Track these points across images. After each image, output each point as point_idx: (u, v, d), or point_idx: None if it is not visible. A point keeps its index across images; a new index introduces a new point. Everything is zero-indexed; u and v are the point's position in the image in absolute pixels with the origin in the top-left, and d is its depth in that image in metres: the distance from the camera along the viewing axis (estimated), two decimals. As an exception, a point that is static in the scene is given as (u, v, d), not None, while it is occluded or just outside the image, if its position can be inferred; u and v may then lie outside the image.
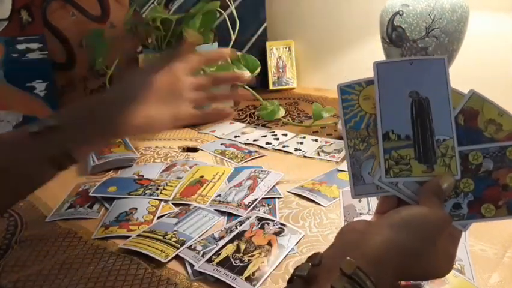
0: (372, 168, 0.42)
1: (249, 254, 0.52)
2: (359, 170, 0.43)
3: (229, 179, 0.73)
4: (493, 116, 0.42)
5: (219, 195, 0.67)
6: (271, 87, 1.27)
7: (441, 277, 0.40)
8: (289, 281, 0.34)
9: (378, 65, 0.42)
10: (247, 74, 0.49)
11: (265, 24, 1.27)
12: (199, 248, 0.54)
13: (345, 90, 0.44)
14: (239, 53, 1.08)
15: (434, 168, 0.41)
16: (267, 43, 1.27)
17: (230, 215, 0.62)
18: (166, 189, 0.69)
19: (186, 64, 0.56)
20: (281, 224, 0.58)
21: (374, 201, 0.61)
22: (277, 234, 0.56)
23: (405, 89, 0.42)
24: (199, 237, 0.57)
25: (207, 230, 0.59)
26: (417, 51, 0.90)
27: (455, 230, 0.41)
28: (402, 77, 0.42)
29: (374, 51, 1.01)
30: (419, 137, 0.42)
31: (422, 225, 0.36)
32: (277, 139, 0.91)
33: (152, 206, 0.64)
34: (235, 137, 0.94)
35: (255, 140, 0.91)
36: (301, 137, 0.92)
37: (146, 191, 0.68)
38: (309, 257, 0.35)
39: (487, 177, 0.41)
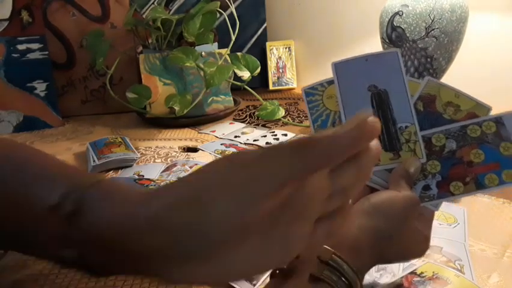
0: None
1: (249, 254, 0.52)
2: None
3: (229, 179, 0.73)
4: (450, 99, 0.44)
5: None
6: (271, 87, 1.27)
7: (418, 257, 0.41)
8: (272, 276, 0.35)
9: (335, 65, 0.45)
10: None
11: (265, 24, 1.27)
12: (199, 247, 0.54)
13: (309, 92, 0.47)
14: (239, 53, 1.09)
15: (400, 154, 0.43)
16: (267, 43, 1.27)
17: (230, 215, 0.62)
18: (166, 189, 0.69)
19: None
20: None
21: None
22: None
23: (364, 84, 0.44)
24: (199, 237, 0.57)
25: (207, 230, 0.59)
26: (417, 52, 0.90)
27: (426, 211, 0.42)
28: (359, 73, 0.44)
29: (374, 51, 1.01)
30: (382, 127, 0.43)
31: (391, 208, 0.38)
32: (277, 139, 0.92)
33: (152, 206, 0.65)
34: (235, 137, 0.94)
35: (255, 140, 0.91)
36: (301, 137, 0.92)
37: (147, 191, 0.68)
38: None
39: (452, 156, 0.43)
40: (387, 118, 0.43)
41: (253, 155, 0.24)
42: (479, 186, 0.41)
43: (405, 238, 0.38)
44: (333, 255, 0.33)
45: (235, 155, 0.25)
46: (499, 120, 0.43)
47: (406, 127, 0.43)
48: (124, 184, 0.31)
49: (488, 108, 0.45)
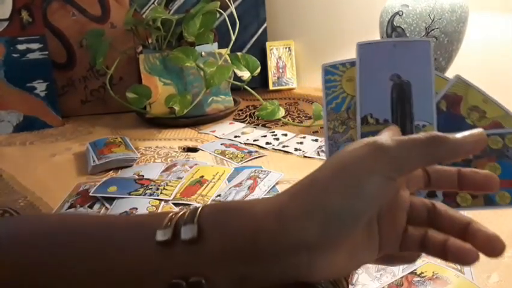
0: None
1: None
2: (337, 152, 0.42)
3: (229, 179, 0.73)
4: (477, 103, 0.41)
5: (219, 195, 0.67)
6: (271, 87, 1.27)
7: None
8: None
9: (360, 46, 0.42)
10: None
11: (265, 24, 1.27)
12: (199, 247, 0.54)
13: (329, 70, 0.43)
14: (239, 53, 1.09)
15: None
16: (267, 43, 1.27)
17: (230, 215, 0.62)
18: (166, 189, 0.69)
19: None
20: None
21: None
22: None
23: (387, 71, 0.41)
24: (199, 237, 0.57)
25: (207, 230, 0.59)
26: (417, 52, 0.90)
27: None
28: (384, 59, 0.41)
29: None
30: (397, 121, 0.40)
31: None
32: (277, 139, 0.92)
33: (152, 206, 0.65)
34: (235, 137, 0.94)
35: (255, 140, 0.91)
36: (301, 137, 0.92)
37: (147, 191, 0.68)
38: None
39: (466, 165, 0.39)
40: (405, 113, 0.40)
41: (389, 142, 0.28)
42: (488, 202, 0.39)
43: None
44: None
45: (372, 141, 0.28)
46: None
47: (424, 126, 0.40)
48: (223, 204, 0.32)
49: None
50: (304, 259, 0.27)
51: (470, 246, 0.29)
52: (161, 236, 0.28)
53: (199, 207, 0.29)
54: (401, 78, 0.41)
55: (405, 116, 0.40)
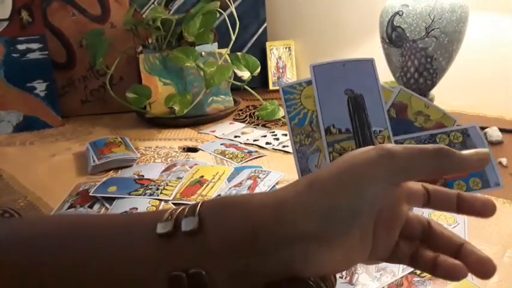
0: (318, 161, 0.45)
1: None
2: (306, 164, 0.46)
3: (229, 179, 0.73)
4: (421, 108, 0.47)
5: (219, 195, 0.67)
6: (271, 87, 1.27)
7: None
8: None
9: (314, 68, 0.47)
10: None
11: (265, 24, 1.27)
12: (199, 247, 0.54)
13: (287, 90, 0.48)
14: (239, 53, 1.09)
15: None
16: (267, 43, 1.27)
17: (230, 215, 0.62)
18: (166, 189, 0.69)
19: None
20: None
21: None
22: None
23: (341, 87, 0.47)
24: (199, 237, 0.57)
25: (207, 230, 0.59)
26: (417, 52, 0.90)
27: None
28: (337, 77, 0.47)
29: (374, 51, 1.02)
30: (357, 129, 0.46)
31: None
32: (277, 139, 0.92)
33: (152, 206, 0.65)
34: (235, 137, 0.94)
35: (255, 140, 0.91)
36: (301, 137, 0.92)
37: (147, 191, 0.68)
38: None
39: None
40: (363, 121, 0.46)
41: (398, 148, 0.28)
42: None
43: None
44: None
45: (380, 146, 0.29)
46: (465, 132, 0.46)
47: (380, 131, 0.45)
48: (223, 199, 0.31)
49: (454, 120, 0.48)
50: (300, 252, 0.27)
51: (459, 262, 0.30)
52: (162, 228, 0.29)
53: (199, 202, 0.30)
54: (354, 92, 0.46)
55: (363, 124, 0.46)
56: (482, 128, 0.87)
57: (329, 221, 0.27)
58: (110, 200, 0.67)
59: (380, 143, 0.44)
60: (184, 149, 0.89)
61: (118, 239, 0.30)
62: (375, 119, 0.46)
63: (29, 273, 0.29)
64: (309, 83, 0.47)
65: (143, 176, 0.75)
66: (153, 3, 1.15)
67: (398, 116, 0.47)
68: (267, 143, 0.90)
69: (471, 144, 0.44)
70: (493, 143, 0.83)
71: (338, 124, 0.46)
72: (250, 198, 0.30)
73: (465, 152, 0.30)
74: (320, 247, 0.28)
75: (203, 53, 1.04)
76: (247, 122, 1.05)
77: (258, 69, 1.08)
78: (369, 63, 0.48)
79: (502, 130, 0.86)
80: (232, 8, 1.07)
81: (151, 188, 0.69)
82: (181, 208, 0.30)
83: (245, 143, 0.90)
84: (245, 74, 1.06)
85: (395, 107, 0.47)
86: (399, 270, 0.49)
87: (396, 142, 0.45)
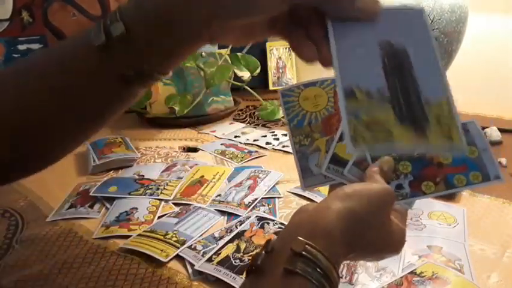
0: (318, 160, 0.45)
1: (249, 254, 0.52)
2: (307, 164, 0.45)
3: (229, 179, 0.73)
4: None
5: (219, 195, 0.67)
6: (271, 87, 1.28)
7: (395, 252, 0.39)
8: (247, 273, 0.34)
9: (332, 21, 0.34)
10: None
11: (265, 25, 1.27)
12: (199, 247, 0.54)
13: (285, 93, 0.47)
14: (239, 54, 1.09)
15: (428, 136, 0.31)
16: (267, 43, 1.27)
17: (230, 215, 0.62)
18: (166, 189, 0.69)
19: None
20: (281, 223, 0.59)
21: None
22: (277, 233, 0.56)
23: (372, 39, 0.33)
24: (200, 236, 0.57)
25: (207, 230, 0.59)
26: (417, 52, 0.90)
27: (401, 207, 0.42)
28: (367, 29, 0.34)
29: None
30: (397, 91, 0.31)
31: (366, 194, 0.37)
32: (277, 139, 0.92)
33: (152, 205, 0.65)
34: (235, 137, 0.94)
35: (255, 140, 0.92)
36: (301, 137, 0.92)
37: (147, 191, 0.68)
38: (263, 246, 0.34)
39: (423, 157, 0.43)
40: (408, 84, 0.32)
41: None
42: (448, 186, 0.43)
43: (385, 228, 0.37)
44: (306, 246, 0.31)
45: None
46: (463, 127, 0.43)
47: (436, 100, 0.31)
48: None
49: None
50: (206, 26, 0.34)
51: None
52: (97, 41, 0.35)
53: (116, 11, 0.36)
54: (393, 46, 0.33)
55: (408, 90, 0.32)
56: (482, 128, 0.87)
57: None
58: (111, 200, 0.67)
59: (436, 119, 0.31)
60: (184, 149, 0.89)
61: (66, 59, 0.38)
62: (429, 86, 0.31)
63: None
64: (307, 85, 0.46)
65: (143, 176, 0.75)
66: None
67: None
68: (267, 143, 0.90)
69: (470, 139, 0.43)
70: (492, 143, 0.84)
71: (366, 84, 0.31)
72: None
73: None
74: (222, 25, 0.34)
75: (203, 53, 1.04)
76: (247, 122, 1.05)
77: (258, 70, 1.08)
78: (419, 13, 0.35)
79: (501, 130, 0.86)
80: (232, 8, 1.06)
81: (151, 188, 0.69)
82: (103, 20, 0.36)
83: (245, 143, 0.91)
84: (245, 74, 1.06)
85: None
86: (399, 270, 0.49)
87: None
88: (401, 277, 0.47)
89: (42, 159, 0.43)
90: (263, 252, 0.33)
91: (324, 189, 0.67)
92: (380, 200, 0.37)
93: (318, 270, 0.31)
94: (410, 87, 0.32)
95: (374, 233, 0.37)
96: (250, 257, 0.51)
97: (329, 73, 0.36)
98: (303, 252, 0.31)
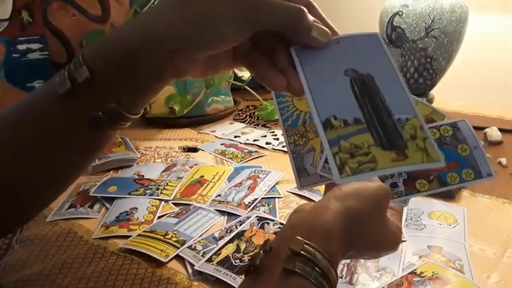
0: (313, 160, 0.45)
1: (249, 254, 0.52)
2: (302, 163, 0.45)
3: (229, 179, 0.73)
4: None
5: (219, 195, 0.67)
6: (271, 87, 1.27)
7: (392, 250, 0.40)
8: (246, 273, 0.34)
9: (296, 50, 0.36)
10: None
11: (265, 25, 1.27)
12: (199, 247, 0.54)
13: (279, 94, 0.47)
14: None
15: (407, 154, 0.32)
16: (267, 43, 1.27)
17: (230, 215, 0.62)
18: (166, 189, 0.69)
19: None
20: (281, 223, 0.59)
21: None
22: (276, 233, 0.56)
23: (337, 68, 0.35)
24: (199, 236, 0.57)
25: (207, 230, 0.59)
26: (416, 52, 0.90)
27: (396, 205, 0.43)
28: (330, 57, 0.36)
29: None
30: (372, 118, 0.33)
31: (364, 192, 0.38)
32: (277, 139, 0.92)
33: (152, 205, 0.65)
34: (235, 137, 0.94)
35: (255, 140, 0.91)
36: (301, 137, 0.92)
37: (147, 191, 0.68)
38: (261, 246, 0.35)
39: None
40: (379, 108, 0.34)
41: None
42: (442, 183, 0.43)
43: (378, 227, 0.38)
44: (304, 245, 0.32)
45: None
46: (454, 126, 0.45)
47: (407, 119, 0.33)
48: None
49: (443, 115, 0.47)
50: (169, 64, 0.35)
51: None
52: (62, 88, 0.35)
53: (79, 58, 0.36)
54: (358, 72, 0.35)
55: (380, 112, 0.34)
56: (482, 128, 0.87)
57: (202, 28, 0.33)
58: (110, 200, 0.67)
59: (411, 135, 0.33)
60: (184, 149, 0.89)
61: (33, 109, 0.38)
62: (397, 104, 0.34)
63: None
64: None
65: (143, 176, 0.75)
66: (153, 3, 1.14)
67: None
68: (267, 143, 0.90)
69: (461, 137, 0.44)
70: (493, 143, 0.84)
71: (342, 113, 0.33)
72: (124, 33, 0.37)
73: (316, 25, 0.34)
74: (186, 51, 0.34)
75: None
76: (247, 122, 1.05)
77: (258, 70, 1.07)
78: (373, 38, 0.37)
79: (501, 130, 0.86)
80: (232, 8, 1.06)
81: (151, 188, 0.69)
82: (67, 67, 0.36)
83: (245, 143, 0.91)
84: (245, 74, 1.06)
85: None
86: (399, 270, 0.49)
87: None
88: (401, 277, 0.47)
89: (21, 216, 0.42)
90: (261, 252, 0.34)
91: (323, 189, 0.67)
92: (377, 199, 0.38)
93: (317, 269, 0.31)
94: (382, 111, 0.34)
95: (372, 231, 0.37)
96: (250, 257, 0.51)
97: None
98: (302, 252, 0.31)
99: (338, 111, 0.33)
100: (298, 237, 0.32)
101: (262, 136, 0.94)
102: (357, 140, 0.32)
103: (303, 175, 0.45)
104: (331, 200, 0.36)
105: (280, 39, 0.36)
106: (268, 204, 0.65)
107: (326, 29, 0.36)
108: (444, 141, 0.45)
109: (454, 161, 0.44)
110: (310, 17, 0.35)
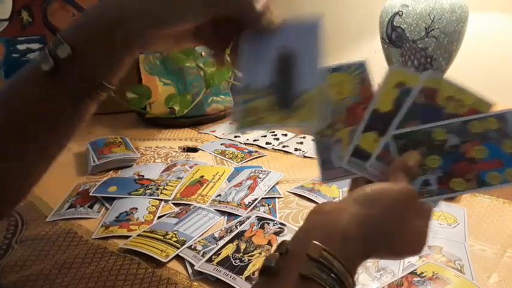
0: (340, 152, 0.43)
1: (249, 254, 0.52)
2: (328, 155, 0.43)
3: (229, 179, 0.73)
4: (452, 93, 0.43)
5: (219, 195, 0.67)
6: (271, 87, 1.27)
7: (414, 255, 0.39)
8: (260, 274, 0.33)
9: (246, 34, 0.43)
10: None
11: (265, 25, 1.27)
12: (199, 247, 0.54)
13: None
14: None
15: (293, 115, 0.39)
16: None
17: (230, 215, 0.62)
18: (166, 189, 0.69)
19: None
20: (281, 223, 0.59)
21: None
22: (277, 234, 0.56)
23: (274, 46, 0.43)
24: (199, 237, 0.57)
25: (207, 230, 0.59)
26: (417, 52, 0.90)
27: (425, 206, 0.40)
28: (273, 40, 0.43)
29: (374, 51, 1.02)
30: (282, 86, 0.41)
31: (385, 197, 0.36)
32: (277, 139, 0.92)
33: (152, 205, 0.65)
34: (235, 137, 0.94)
35: (255, 140, 0.91)
36: (301, 137, 0.92)
37: (147, 191, 0.68)
38: (277, 247, 0.34)
39: (454, 151, 0.40)
40: (292, 81, 0.40)
41: None
42: (480, 183, 0.39)
43: (403, 232, 0.36)
44: (322, 252, 0.31)
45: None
46: (501, 117, 0.41)
47: (309, 89, 0.39)
48: None
49: (490, 104, 0.43)
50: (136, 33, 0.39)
51: None
52: (45, 66, 0.38)
53: (58, 37, 0.38)
54: (287, 49, 0.42)
55: (290, 83, 0.40)
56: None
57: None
58: (110, 200, 0.67)
59: (304, 100, 0.40)
60: (184, 149, 0.89)
61: (20, 90, 0.40)
62: (307, 78, 0.40)
63: None
64: (332, 70, 0.45)
65: (143, 176, 0.75)
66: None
67: (427, 101, 0.41)
68: (267, 143, 0.90)
69: (509, 130, 0.40)
70: (493, 143, 0.83)
71: (258, 82, 0.41)
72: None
73: (264, 12, 0.40)
74: (154, 33, 0.39)
75: (203, 53, 1.04)
76: (247, 122, 1.05)
77: (258, 69, 1.08)
78: (315, 23, 0.44)
79: (501, 130, 0.86)
80: (232, 8, 1.06)
81: (151, 188, 0.69)
82: (48, 47, 0.39)
83: (245, 143, 0.91)
84: (245, 74, 1.06)
85: (424, 92, 0.42)
86: (399, 270, 0.49)
87: (424, 130, 0.41)
88: (402, 277, 0.47)
89: (12, 196, 0.44)
90: (277, 253, 0.33)
91: (325, 189, 0.67)
92: (401, 204, 0.36)
93: (333, 276, 0.31)
94: (293, 81, 0.40)
95: (392, 237, 0.36)
96: (250, 257, 0.51)
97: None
98: (319, 258, 0.31)
99: (256, 80, 0.41)
100: (316, 242, 0.32)
101: (262, 136, 0.94)
102: (260, 104, 0.40)
103: (328, 168, 0.43)
104: (352, 204, 0.35)
105: (239, 28, 0.43)
106: (268, 204, 0.65)
107: (273, 17, 0.42)
108: (489, 135, 0.40)
109: (497, 159, 0.39)
110: (261, 5, 0.41)
